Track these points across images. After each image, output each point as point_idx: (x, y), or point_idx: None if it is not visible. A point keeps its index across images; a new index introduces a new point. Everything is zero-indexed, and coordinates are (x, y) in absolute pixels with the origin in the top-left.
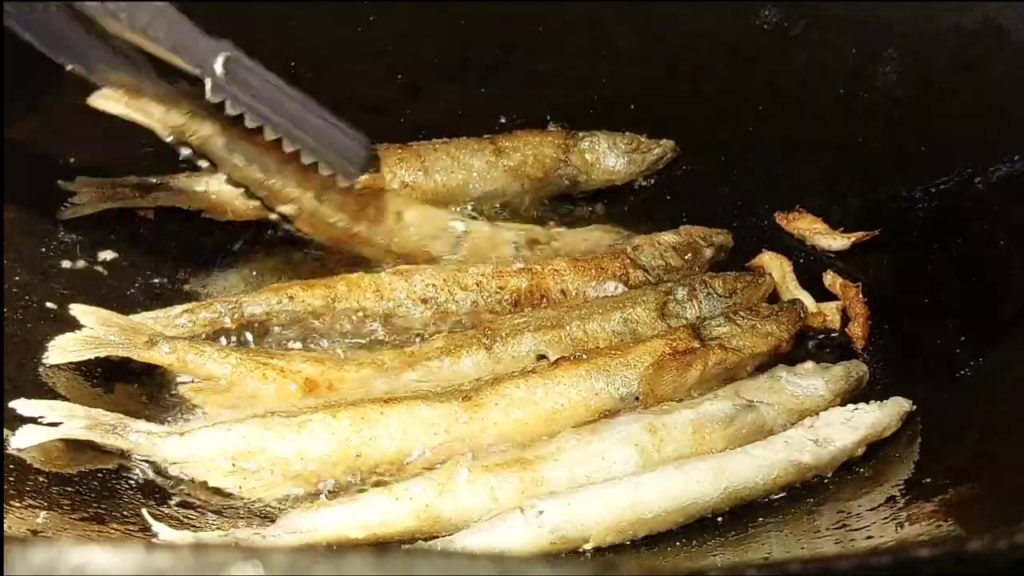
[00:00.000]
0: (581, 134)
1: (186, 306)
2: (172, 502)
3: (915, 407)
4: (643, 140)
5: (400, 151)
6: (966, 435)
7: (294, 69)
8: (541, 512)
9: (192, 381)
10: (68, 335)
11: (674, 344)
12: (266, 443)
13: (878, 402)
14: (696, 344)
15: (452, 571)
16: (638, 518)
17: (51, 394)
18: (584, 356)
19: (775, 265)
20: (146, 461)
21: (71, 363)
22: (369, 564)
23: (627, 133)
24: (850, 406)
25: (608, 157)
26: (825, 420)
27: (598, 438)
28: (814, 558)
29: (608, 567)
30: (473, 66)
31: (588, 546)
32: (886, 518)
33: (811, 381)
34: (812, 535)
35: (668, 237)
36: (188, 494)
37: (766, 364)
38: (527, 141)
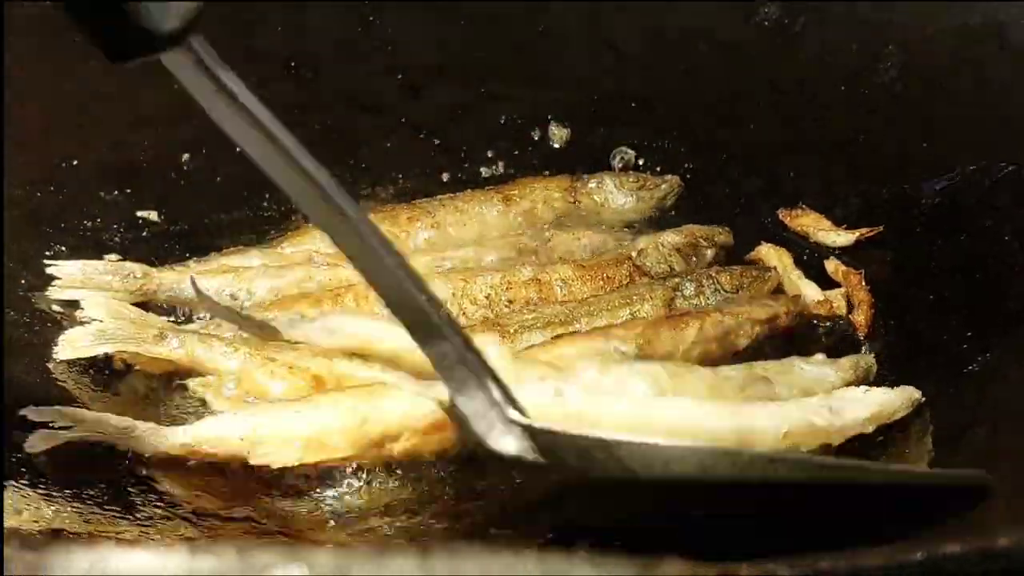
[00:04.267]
0: (586, 176)
1: (194, 326)
2: (186, 507)
3: (924, 399)
4: (648, 178)
5: (408, 210)
6: (975, 431)
7: (294, 69)
8: (562, 393)
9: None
10: (78, 329)
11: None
12: (274, 418)
13: (889, 387)
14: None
15: (495, 570)
16: (648, 426)
17: (61, 396)
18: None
19: (775, 255)
20: (157, 462)
21: (81, 362)
22: (414, 564)
23: (631, 172)
24: (863, 387)
25: (616, 197)
26: (840, 394)
27: (618, 368)
28: (844, 553)
29: (651, 566)
30: (473, 66)
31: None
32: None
33: (823, 369)
34: None
35: (671, 237)
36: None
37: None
38: (533, 187)
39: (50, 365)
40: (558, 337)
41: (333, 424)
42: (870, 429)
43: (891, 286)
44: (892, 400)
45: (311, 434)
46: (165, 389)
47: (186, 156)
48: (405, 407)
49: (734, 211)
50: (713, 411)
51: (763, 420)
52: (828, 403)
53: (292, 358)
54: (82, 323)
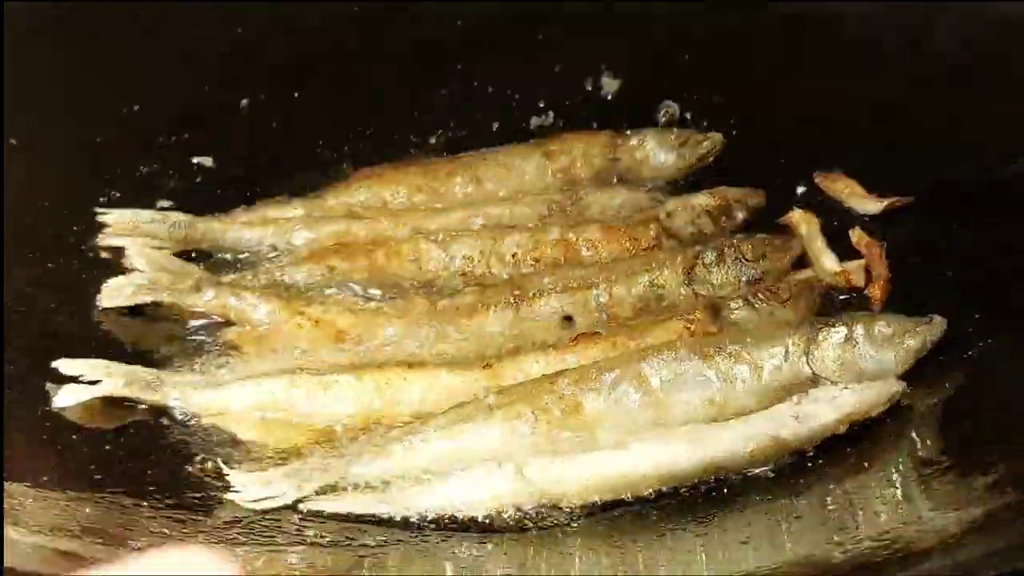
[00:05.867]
0: (628, 132)
1: (231, 277)
2: (197, 460)
3: (908, 389)
4: (691, 134)
5: (449, 164)
6: (958, 420)
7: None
8: (523, 469)
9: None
10: (120, 278)
11: (692, 328)
12: (293, 400)
13: (869, 382)
14: (713, 329)
15: None
16: (615, 483)
17: (100, 345)
18: (603, 332)
19: (804, 222)
20: (180, 417)
21: (123, 309)
22: None
23: (675, 129)
24: (840, 385)
25: (657, 154)
26: (812, 397)
27: None
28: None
29: None
30: (533, 12)
31: (565, 503)
32: (876, 499)
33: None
34: (793, 517)
35: (702, 199)
36: (215, 452)
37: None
38: (575, 143)
39: (93, 312)
40: (576, 340)
41: (348, 417)
42: (843, 430)
43: (912, 260)
44: (866, 399)
45: (325, 427)
46: (200, 336)
47: (244, 101)
48: (417, 408)
49: (773, 171)
50: (678, 449)
51: (727, 444)
52: (796, 410)
53: (319, 313)
54: (125, 271)
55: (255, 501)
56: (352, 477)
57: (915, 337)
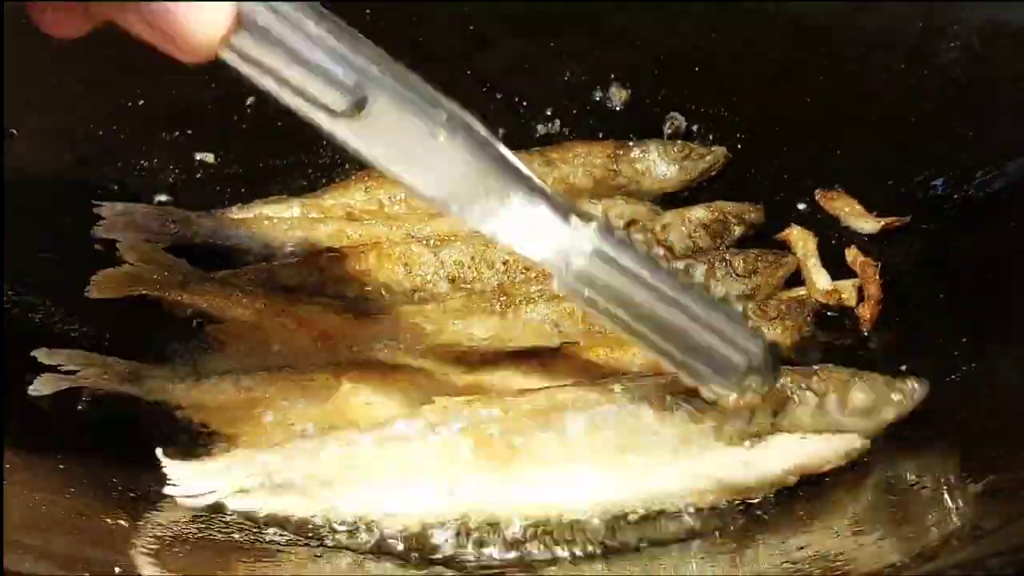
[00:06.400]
0: (632, 143)
1: (221, 273)
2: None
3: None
4: (694, 147)
5: None
6: (926, 454)
7: (369, 15)
8: (456, 489)
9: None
10: (108, 271)
11: None
12: (270, 398)
13: (829, 434)
14: None
15: None
16: (549, 512)
17: (86, 330)
18: (582, 343)
19: (801, 239)
20: (156, 408)
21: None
22: None
23: (679, 141)
24: (799, 434)
25: (659, 166)
26: (768, 443)
27: None
28: None
29: None
30: (545, 19)
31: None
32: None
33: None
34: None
35: (699, 213)
36: (184, 446)
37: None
38: (576, 152)
39: (81, 303)
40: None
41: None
42: (792, 481)
43: (906, 280)
44: (821, 452)
45: (300, 426)
46: (184, 331)
47: (251, 99)
48: (394, 411)
49: (776, 187)
50: (619, 482)
51: (670, 482)
52: (747, 456)
53: (303, 312)
54: (115, 264)
55: (190, 497)
56: (286, 474)
57: (892, 410)
